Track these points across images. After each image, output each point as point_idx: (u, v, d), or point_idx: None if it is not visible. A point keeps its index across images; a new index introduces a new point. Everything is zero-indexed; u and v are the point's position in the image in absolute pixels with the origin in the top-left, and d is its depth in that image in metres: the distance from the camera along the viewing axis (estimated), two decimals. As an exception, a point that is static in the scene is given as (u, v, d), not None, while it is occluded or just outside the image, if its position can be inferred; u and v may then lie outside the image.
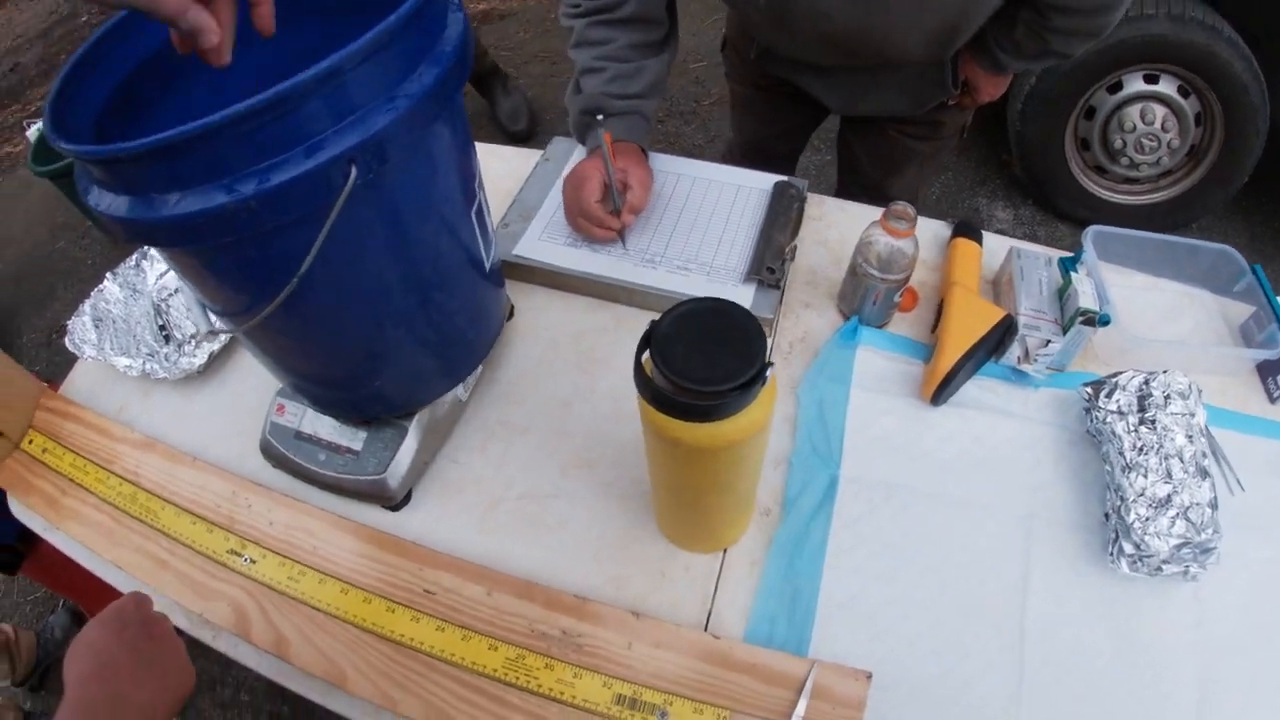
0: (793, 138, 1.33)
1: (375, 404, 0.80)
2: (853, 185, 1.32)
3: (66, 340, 0.99)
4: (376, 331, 0.71)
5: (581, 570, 0.81)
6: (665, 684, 0.73)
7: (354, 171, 0.55)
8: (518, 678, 0.74)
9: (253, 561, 0.83)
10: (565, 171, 1.04)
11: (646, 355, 0.58)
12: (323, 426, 0.85)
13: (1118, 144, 1.82)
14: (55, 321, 2.30)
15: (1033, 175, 1.97)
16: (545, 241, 0.97)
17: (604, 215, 0.92)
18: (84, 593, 1.59)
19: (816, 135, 1.37)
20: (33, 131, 2.09)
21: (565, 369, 0.90)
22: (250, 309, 0.63)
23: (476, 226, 0.74)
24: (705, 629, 0.77)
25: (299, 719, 1.57)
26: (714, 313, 0.60)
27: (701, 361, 0.56)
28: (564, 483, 0.85)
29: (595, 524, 0.83)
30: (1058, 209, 1.96)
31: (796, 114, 1.26)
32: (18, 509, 0.97)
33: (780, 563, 0.82)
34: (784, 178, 1.01)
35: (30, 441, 0.99)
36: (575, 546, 0.82)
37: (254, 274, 0.62)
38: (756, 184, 1.01)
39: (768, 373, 0.56)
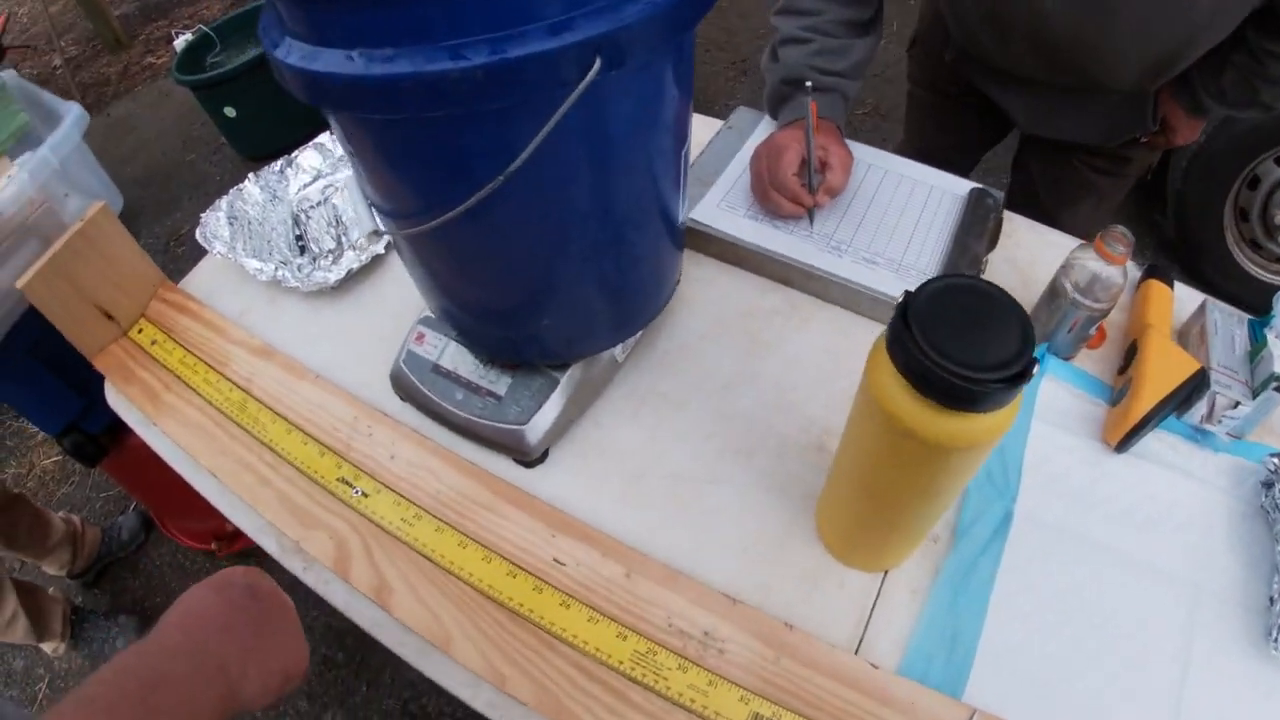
0: (969, 151, 1.21)
1: (531, 346, 0.70)
2: (1023, 212, 1.19)
3: (197, 233, 0.90)
4: (559, 262, 0.61)
5: (728, 566, 0.69)
6: (810, 710, 0.61)
7: (597, 63, 0.45)
8: (644, 675, 0.63)
9: (364, 495, 0.72)
10: (749, 142, 0.93)
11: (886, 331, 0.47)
12: (465, 363, 0.74)
13: (1279, 219, 1.66)
14: (175, 230, 2.25)
15: (1184, 238, 1.81)
16: (724, 210, 0.86)
17: (799, 190, 0.81)
18: (161, 498, 1.51)
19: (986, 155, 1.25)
20: (180, 42, 2.04)
21: (729, 348, 0.79)
22: (430, 209, 0.53)
23: (681, 171, 0.64)
24: (856, 654, 0.65)
25: (352, 667, 1.46)
26: (974, 293, 0.49)
27: (966, 344, 0.45)
28: (719, 467, 0.73)
29: (749, 518, 0.71)
30: (1203, 276, 1.80)
31: (979, 127, 1.13)
32: (114, 398, 0.88)
33: (945, 596, 0.69)
34: (979, 185, 0.89)
35: (140, 331, 0.90)
36: (724, 539, 0.70)
37: (448, 165, 0.51)
38: (950, 187, 0.89)
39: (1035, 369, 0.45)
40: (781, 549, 0.70)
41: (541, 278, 0.62)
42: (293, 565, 0.73)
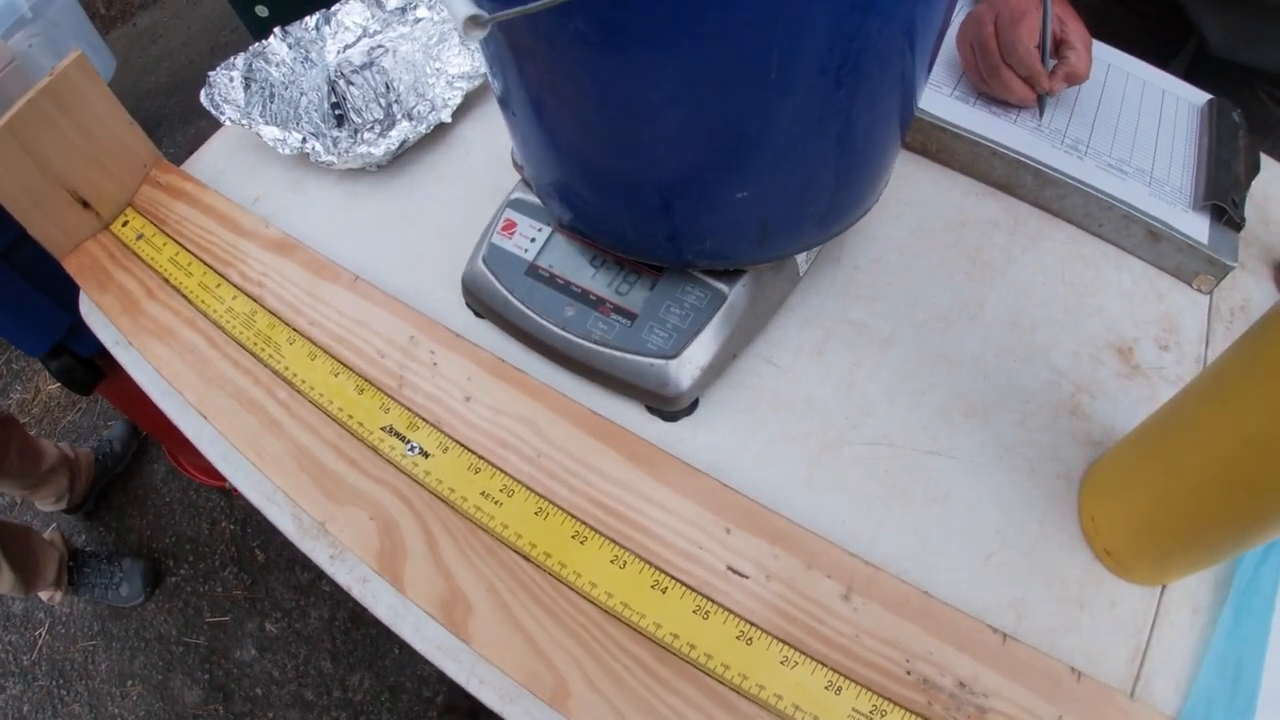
0: None
1: (698, 239, 0.37)
2: None
3: (202, 95, 0.56)
4: (785, 105, 0.28)
5: (968, 580, 0.38)
6: None
7: None
8: None
9: (424, 454, 0.39)
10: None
11: None
12: (578, 265, 0.42)
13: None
14: (199, 138, 1.84)
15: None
16: (930, 89, 0.53)
17: (1040, 68, 0.49)
18: (171, 430, 1.14)
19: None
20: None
21: (943, 268, 0.47)
22: None
23: (939, 28, 0.31)
24: (1131, 698, 0.35)
25: (383, 626, 1.12)
26: None
27: None
28: (945, 433, 0.41)
29: (992, 507, 0.40)
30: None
31: (1157, 43, 0.81)
32: (88, 310, 0.54)
33: (1228, 618, 0.40)
34: (1217, 98, 0.57)
35: (124, 224, 0.56)
36: (960, 539, 0.39)
37: None
38: (1186, 95, 0.57)
39: None
40: (1036, 554, 0.39)
41: (756, 116, 0.29)
42: (315, 552, 0.41)
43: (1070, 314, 0.46)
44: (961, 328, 0.45)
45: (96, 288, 0.54)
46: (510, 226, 0.44)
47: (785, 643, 0.35)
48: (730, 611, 0.35)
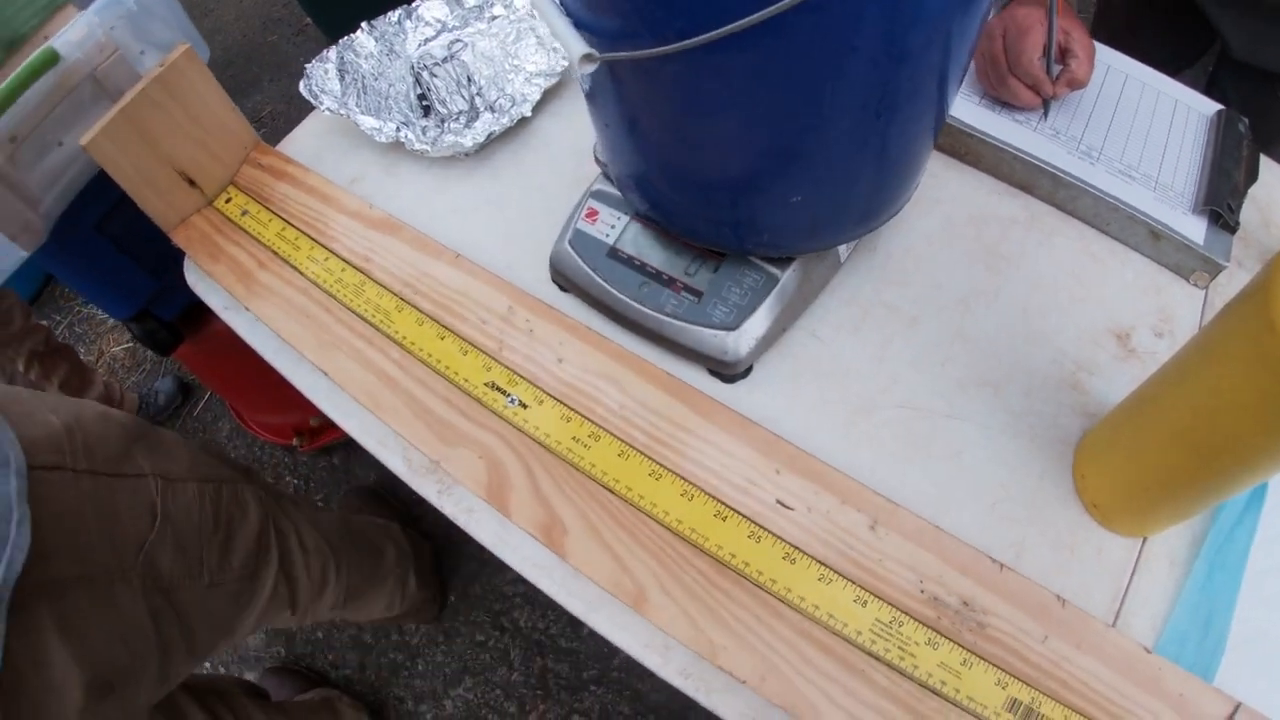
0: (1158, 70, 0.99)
1: (758, 232, 0.49)
2: None
3: (301, 86, 0.67)
4: (839, 119, 0.40)
5: (975, 523, 0.50)
6: (1073, 697, 0.43)
7: None
8: (887, 650, 0.44)
9: (523, 406, 0.52)
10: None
11: None
12: (651, 249, 0.54)
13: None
14: (255, 113, 1.95)
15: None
16: (959, 97, 0.64)
17: (1044, 77, 0.60)
18: (239, 390, 1.28)
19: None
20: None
21: (963, 258, 0.58)
22: (696, 20, 0.32)
23: (965, 66, 0.43)
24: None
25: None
26: None
27: None
28: (961, 400, 0.53)
29: (999, 464, 0.52)
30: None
31: (1176, 44, 0.91)
32: (195, 279, 0.67)
33: (1201, 570, 0.51)
34: (1225, 108, 0.68)
35: (228, 200, 0.68)
36: (970, 488, 0.51)
37: None
38: (1196, 105, 0.67)
39: None
40: (1034, 505, 0.51)
41: (810, 138, 0.41)
42: (424, 487, 0.53)
43: (1076, 303, 0.57)
44: (979, 311, 0.56)
45: (208, 258, 0.66)
46: (593, 214, 0.56)
47: (822, 563, 0.47)
48: (778, 537, 0.47)
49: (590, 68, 0.38)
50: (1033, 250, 0.59)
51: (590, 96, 0.47)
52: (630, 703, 1.09)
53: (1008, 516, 0.50)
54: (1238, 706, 0.44)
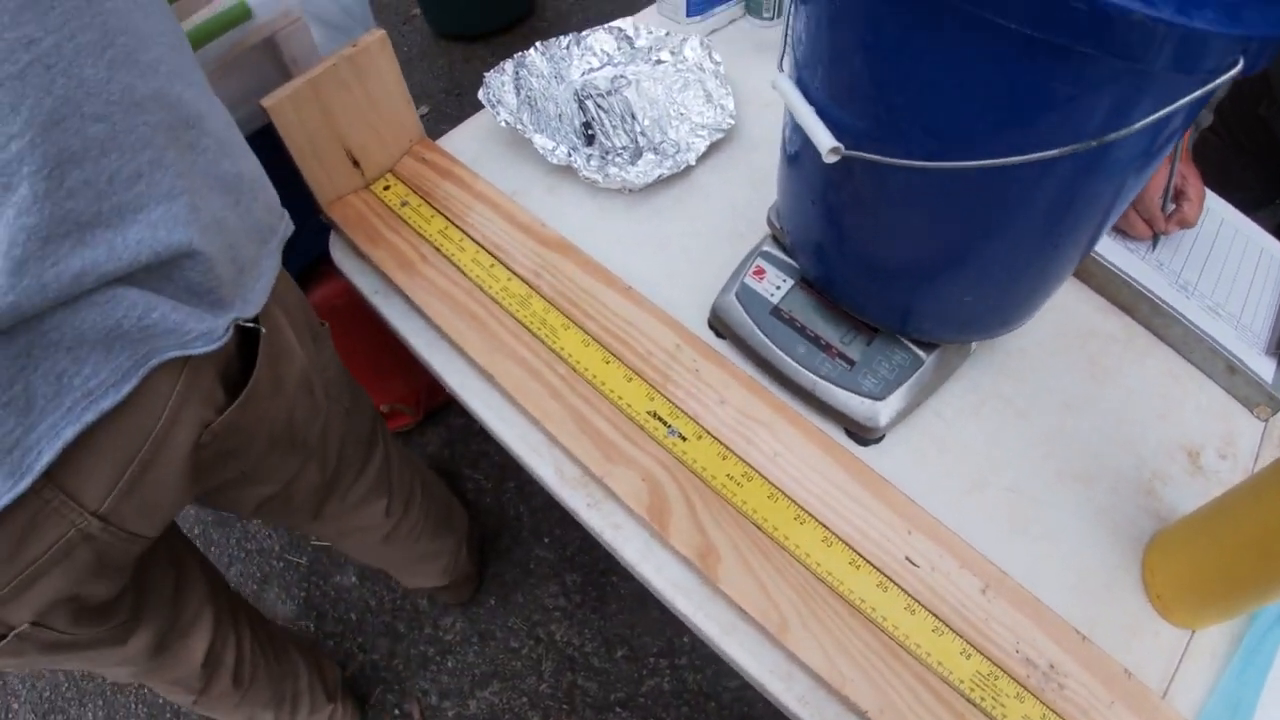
0: (1245, 208, 1.10)
1: (921, 319, 0.57)
2: None
3: (481, 94, 0.73)
4: (1031, 244, 0.48)
5: (1059, 597, 0.58)
6: None
7: (1240, 63, 0.33)
8: (983, 699, 0.52)
9: (682, 438, 0.59)
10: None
11: None
12: (811, 315, 0.61)
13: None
14: None
15: None
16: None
17: (1159, 213, 0.70)
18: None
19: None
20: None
21: (1069, 365, 0.67)
22: (953, 141, 0.41)
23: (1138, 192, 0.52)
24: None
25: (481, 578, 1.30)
26: None
27: None
28: (1056, 490, 0.62)
29: (1081, 550, 0.60)
30: None
31: (1263, 186, 1.03)
32: (343, 257, 0.72)
33: (1236, 664, 0.61)
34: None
35: (386, 187, 0.74)
36: (1055, 568, 0.59)
37: (1025, 102, 0.38)
38: (1275, 252, 0.78)
39: None
40: (1108, 589, 0.60)
41: (998, 251, 0.49)
42: (572, 499, 0.60)
43: (1158, 418, 0.67)
44: (1078, 413, 0.65)
45: (366, 240, 0.71)
46: (760, 272, 0.63)
47: (937, 616, 0.55)
48: (902, 589, 0.55)
49: (835, 159, 0.46)
50: (1128, 366, 0.69)
51: (798, 166, 0.54)
52: (653, 732, 1.15)
53: (1087, 595, 0.59)
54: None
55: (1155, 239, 0.72)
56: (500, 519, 1.34)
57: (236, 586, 1.32)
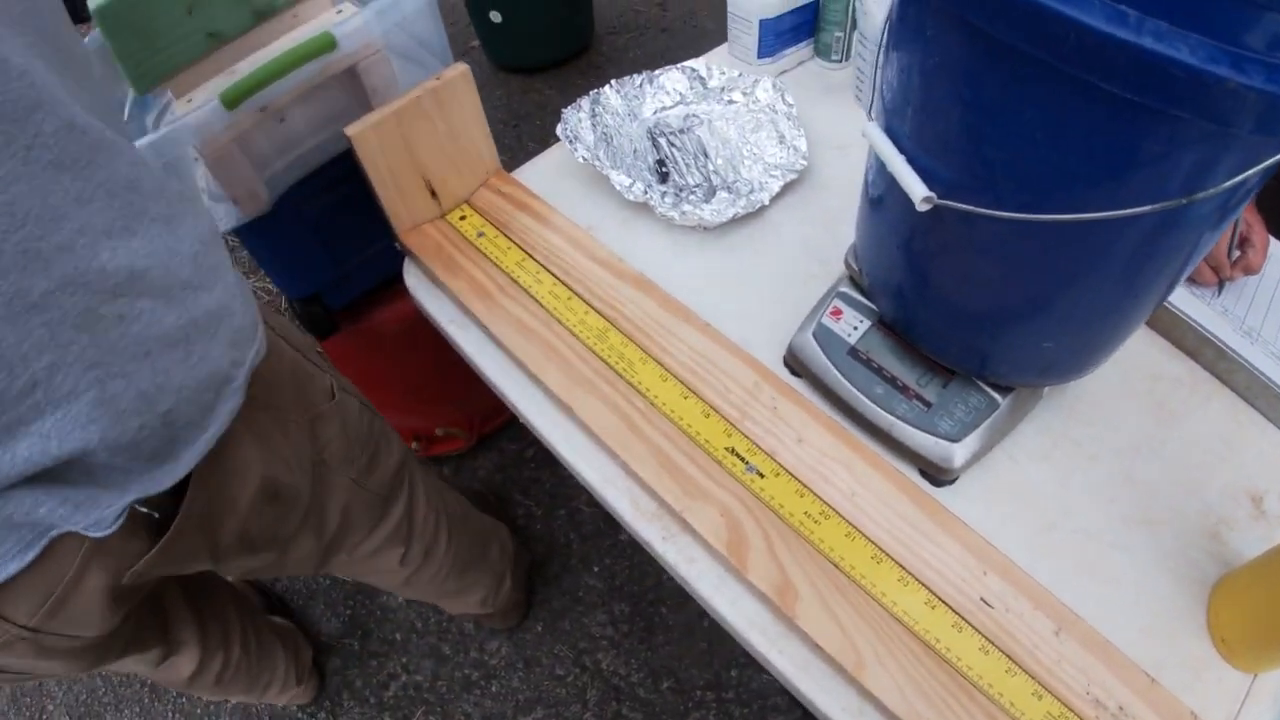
0: None
1: (997, 363, 0.59)
2: None
3: (559, 129, 0.75)
4: (1111, 296, 0.51)
5: (1123, 640, 0.59)
6: None
7: None
8: None
9: (760, 475, 0.61)
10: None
11: None
12: (888, 356, 0.63)
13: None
14: None
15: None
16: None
17: (1225, 259, 0.71)
18: (371, 388, 1.34)
19: None
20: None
21: (1136, 409, 0.69)
22: (1046, 192, 0.43)
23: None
24: None
25: (529, 605, 1.32)
26: None
27: None
28: (1124, 534, 0.63)
29: (1147, 593, 0.62)
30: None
31: None
32: (417, 284, 0.74)
33: None
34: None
35: (462, 218, 0.76)
36: (1121, 610, 0.61)
37: (1118, 159, 0.40)
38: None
39: None
40: (1174, 633, 0.61)
41: (1080, 300, 0.51)
42: (648, 532, 0.62)
43: (1222, 463, 0.68)
44: (1145, 457, 0.67)
45: (444, 270, 0.73)
46: (838, 313, 0.65)
47: (1010, 657, 0.56)
48: (976, 629, 0.57)
49: (927, 208, 0.48)
50: (1193, 410, 0.70)
51: (882, 210, 0.56)
52: (695, 767, 1.16)
53: (1152, 637, 0.60)
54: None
55: (1221, 285, 0.74)
56: (550, 546, 1.36)
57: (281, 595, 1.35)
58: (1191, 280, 0.74)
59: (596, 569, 1.32)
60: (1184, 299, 0.73)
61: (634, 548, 1.32)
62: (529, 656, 1.25)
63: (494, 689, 1.23)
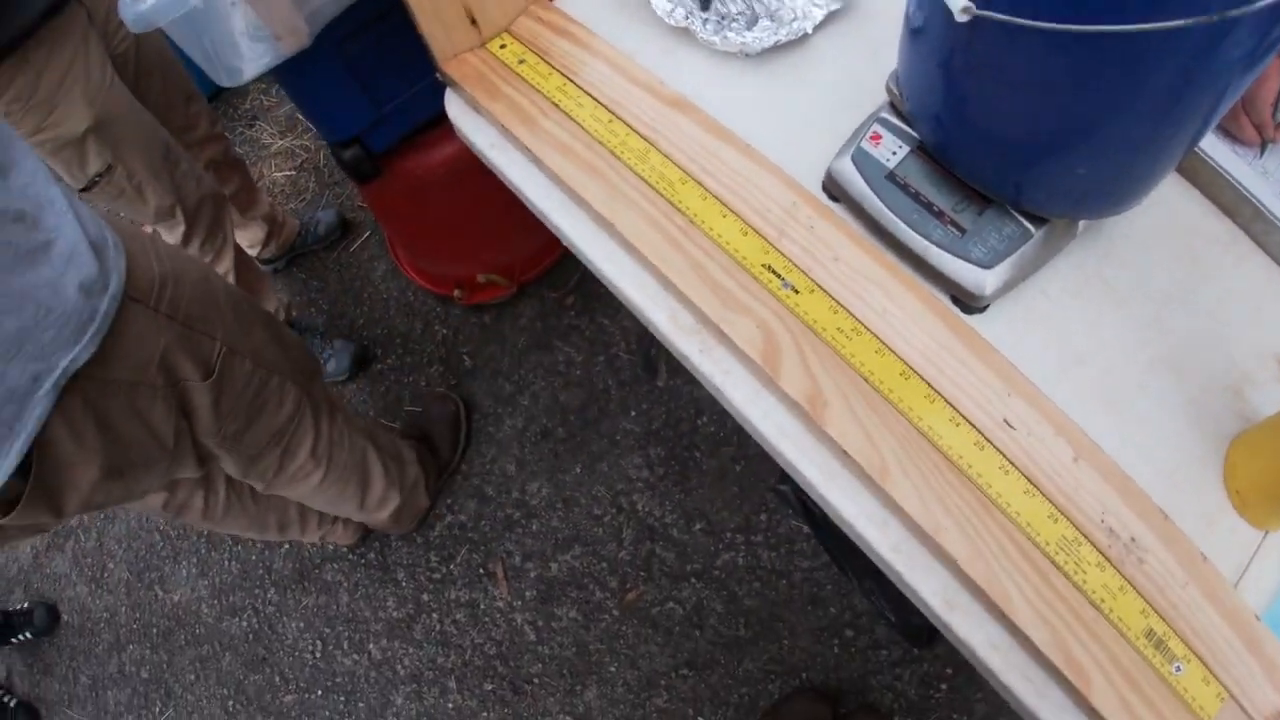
0: None
1: (1033, 190, 0.59)
2: None
3: (600, -48, 0.74)
4: (1153, 116, 0.50)
5: (1141, 479, 0.61)
6: (1194, 639, 0.55)
7: None
8: (1066, 563, 0.56)
9: (795, 291, 0.62)
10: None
11: None
12: (924, 182, 0.63)
13: None
14: None
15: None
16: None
17: (1269, 120, 0.71)
18: (409, 235, 1.36)
19: None
20: None
21: (1170, 259, 0.69)
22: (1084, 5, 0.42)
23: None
24: None
25: (570, 446, 1.32)
26: None
27: None
28: (1149, 378, 0.65)
29: (1168, 437, 0.63)
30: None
31: None
32: (459, 112, 0.74)
33: None
34: None
35: (502, 46, 0.76)
36: (1141, 450, 0.62)
37: None
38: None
39: None
40: (1191, 479, 0.63)
41: (1116, 124, 0.51)
42: (686, 345, 0.63)
43: (1250, 323, 0.69)
44: (1174, 308, 0.67)
45: (485, 95, 0.73)
46: (877, 138, 0.65)
47: (1029, 479, 0.58)
48: (997, 449, 0.58)
49: (965, 18, 0.48)
50: (1227, 270, 0.70)
51: (924, 33, 0.56)
52: (725, 603, 1.20)
53: (1170, 480, 0.62)
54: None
55: (1263, 146, 0.74)
56: (589, 391, 1.39)
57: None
58: (1234, 138, 0.74)
59: (634, 413, 1.35)
60: (1225, 156, 0.73)
61: (670, 394, 1.37)
62: (568, 497, 1.29)
63: (534, 528, 1.27)
